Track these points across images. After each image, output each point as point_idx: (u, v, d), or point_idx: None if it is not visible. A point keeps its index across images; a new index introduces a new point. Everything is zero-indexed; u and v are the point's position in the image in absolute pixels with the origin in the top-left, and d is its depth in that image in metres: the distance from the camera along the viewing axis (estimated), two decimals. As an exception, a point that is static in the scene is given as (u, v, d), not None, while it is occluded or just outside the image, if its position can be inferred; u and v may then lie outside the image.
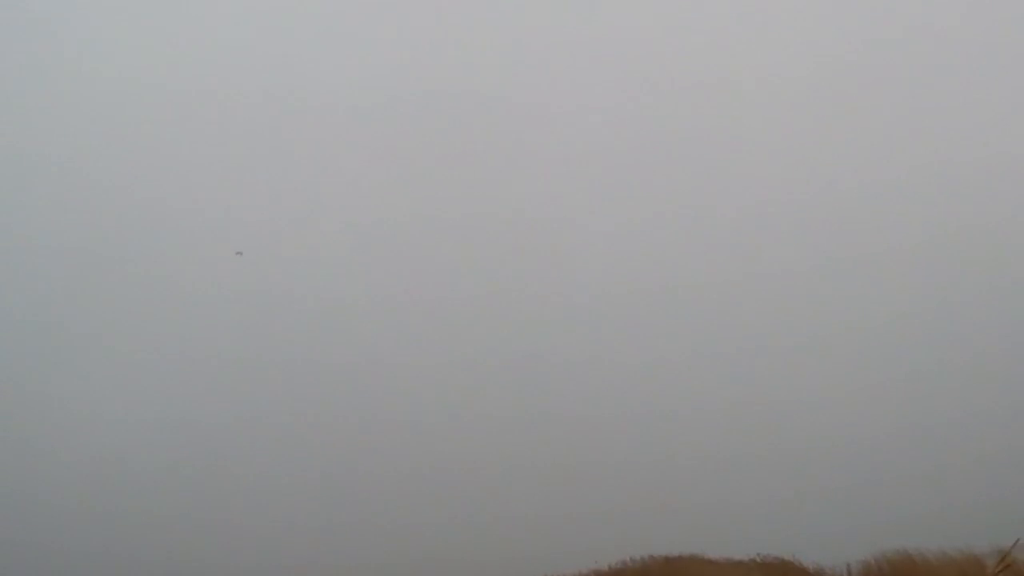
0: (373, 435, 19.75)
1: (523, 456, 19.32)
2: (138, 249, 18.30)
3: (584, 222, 18.72)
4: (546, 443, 19.59)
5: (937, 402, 18.11)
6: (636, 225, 18.50)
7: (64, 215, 18.18)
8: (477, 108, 18.20)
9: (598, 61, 18.43)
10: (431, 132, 18.42)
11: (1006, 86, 17.94)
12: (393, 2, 18.78)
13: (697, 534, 16.58)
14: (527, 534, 17.65)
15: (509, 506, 18.80)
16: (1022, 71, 17.97)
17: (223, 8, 18.67)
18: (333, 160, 18.53)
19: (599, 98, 18.46)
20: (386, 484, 19.31)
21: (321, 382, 19.21)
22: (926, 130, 18.11)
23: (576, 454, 19.66)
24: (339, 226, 18.62)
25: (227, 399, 18.74)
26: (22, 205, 18.20)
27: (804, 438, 18.57)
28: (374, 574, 16.77)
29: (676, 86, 18.32)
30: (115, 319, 18.67)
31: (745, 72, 18.20)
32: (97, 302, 18.47)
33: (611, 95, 18.31)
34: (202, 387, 18.55)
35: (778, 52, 18.17)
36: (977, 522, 15.72)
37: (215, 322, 18.40)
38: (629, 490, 18.81)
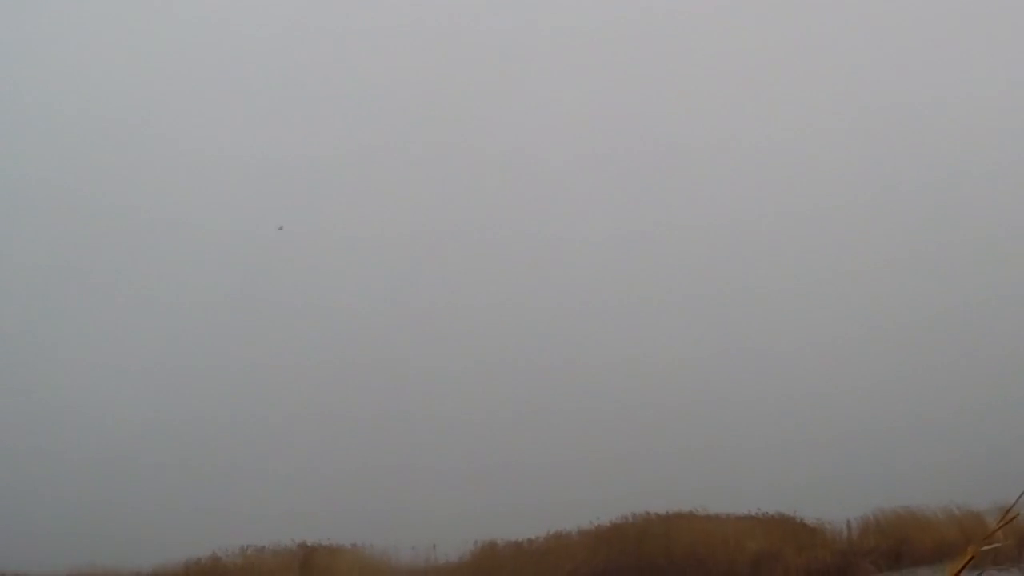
0: (376, 384, 19.72)
1: (521, 410, 19.31)
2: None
3: (577, 164, 18.61)
4: (543, 400, 19.57)
5: (939, 358, 18.02)
6: (626, 169, 18.36)
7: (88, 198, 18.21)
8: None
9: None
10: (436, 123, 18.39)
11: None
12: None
13: (697, 491, 16.61)
14: (525, 489, 17.71)
15: (509, 461, 18.83)
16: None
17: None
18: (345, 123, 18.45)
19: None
20: (387, 436, 19.35)
21: (333, 334, 19.22)
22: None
23: (573, 410, 19.66)
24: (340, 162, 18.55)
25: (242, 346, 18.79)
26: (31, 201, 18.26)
27: (805, 395, 18.54)
28: (373, 523, 16.85)
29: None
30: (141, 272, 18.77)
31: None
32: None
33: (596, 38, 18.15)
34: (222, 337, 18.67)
35: None
36: (979, 479, 15.69)
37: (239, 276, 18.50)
38: (628, 446, 18.81)
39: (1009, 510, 1.87)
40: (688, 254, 18.90)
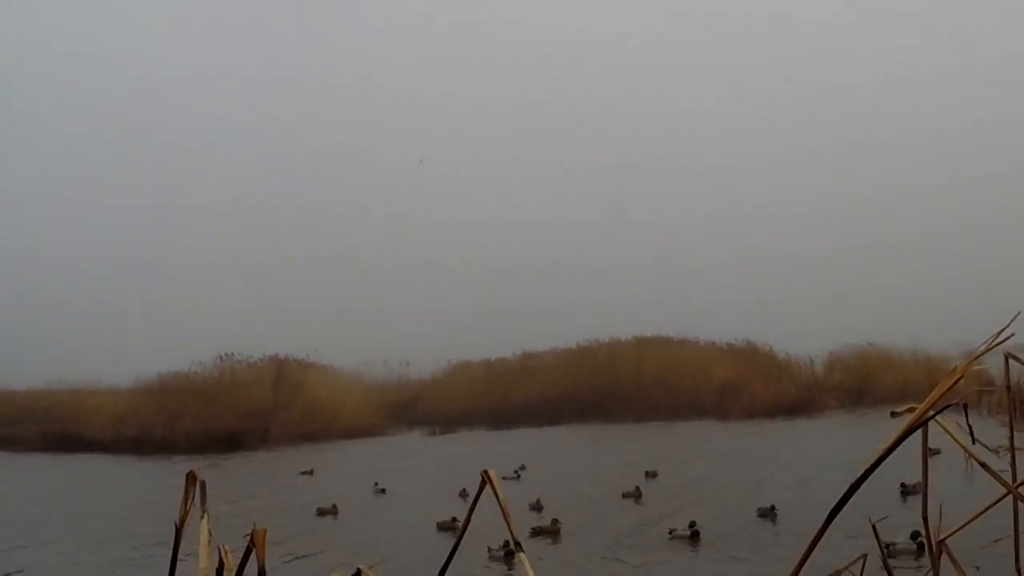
0: (353, 203, 19.45)
1: (494, 230, 19.15)
2: None
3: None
4: (514, 220, 19.32)
5: (912, 193, 17.93)
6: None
7: None
8: None
9: None
10: None
11: None
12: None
13: (670, 318, 16.74)
14: (498, 311, 17.78)
15: (483, 282, 18.84)
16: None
17: None
18: None
19: None
20: (361, 252, 19.22)
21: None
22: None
23: (546, 231, 19.47)
24: None
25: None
26: None
27: (781, 230, 18.42)
28: (347, 339, 16.98)
29: None
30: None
31: None
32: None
33: None
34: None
35: None
36: (943, 322, 15.87)
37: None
38: (600, 269, 18.80)
39: (1001, 331, 1.64)
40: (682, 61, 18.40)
